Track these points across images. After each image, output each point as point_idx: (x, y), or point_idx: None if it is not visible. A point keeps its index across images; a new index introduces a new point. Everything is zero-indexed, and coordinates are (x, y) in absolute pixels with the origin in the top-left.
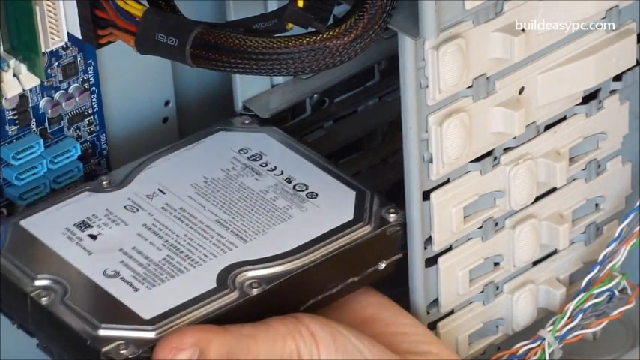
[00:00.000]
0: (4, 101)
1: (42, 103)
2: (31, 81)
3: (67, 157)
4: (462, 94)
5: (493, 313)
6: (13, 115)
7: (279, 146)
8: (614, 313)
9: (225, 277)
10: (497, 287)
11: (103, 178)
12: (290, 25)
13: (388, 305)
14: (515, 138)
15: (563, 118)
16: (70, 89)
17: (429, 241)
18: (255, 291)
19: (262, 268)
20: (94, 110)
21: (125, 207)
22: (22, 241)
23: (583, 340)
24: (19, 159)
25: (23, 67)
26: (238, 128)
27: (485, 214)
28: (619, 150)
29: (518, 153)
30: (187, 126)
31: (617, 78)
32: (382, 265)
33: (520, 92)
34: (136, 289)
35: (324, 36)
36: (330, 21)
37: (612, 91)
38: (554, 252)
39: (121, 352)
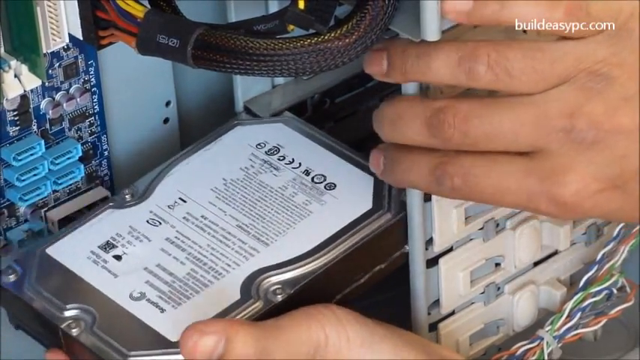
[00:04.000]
0: (5, 102)
1: (43, 104)
2: (32, 82)
3: (68, 158)
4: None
5: (494, 314)
6: (14, 116)
7: (296, 135)
8: (613, 311)
9: (249, 287)
10: (499, 288)
11: (125, 191)
12: (291, 26)
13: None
14: None
15: None
16: (71, 90)
17: (430, 242)
18: (279, 297)
19: (285, 272)
20: (95, 111)
21: (147, 221)
22: (50, 271)
23: (583, 340)
24: (20, 160)
25: (24, 68)
26: (254, 120)
27: (486, 215)
28: None
29: None
30: (188, 127)
31: None
32: (408, 248)
33: None
34: (163, 310)
35: (326, 37)
36: (332, 22)
37: None
38: (555, 253)
39: None
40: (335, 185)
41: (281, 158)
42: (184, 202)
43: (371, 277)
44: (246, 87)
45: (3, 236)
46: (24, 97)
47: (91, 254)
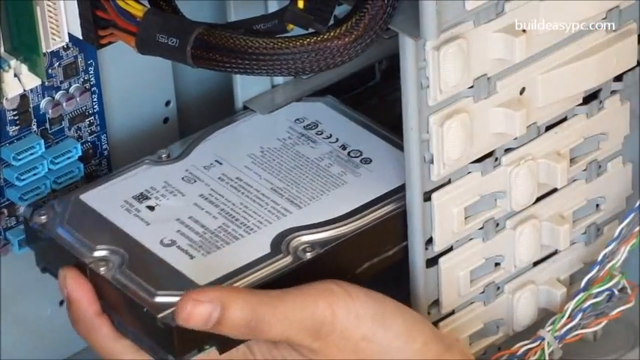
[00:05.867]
0: (4, 102)
1: (43, 104)
2: (31, 81)
3: (68, 158)
4: (462, 95)
5: (494, 314)
6: (14, 115)
7: (335, 114)
8: (614, 312)
9: (280, 243)
10: (498, 288)
11: (162, 151)
12: (290, 26)
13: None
14: (516, 138)
15: (564, 119)
16: (71, 89)
17: (429, 241)
18: (308, 255)
19: (316, 232)
20: (95, 110)
21: (183, 178)
22: (82, 214)
23: (584, 340)
24: (20, 159)
25: (24, 68)
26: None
27: (486, 214)
28: (620, 150)
29: (519, 154)
30: (188, 126)
31: (618, 78)
32: None
33: (521, 93)
34: (192, 257)
35: (325, 36)
36: (331, 21)
37: (613, 92)
38: (555, 252)
39: None
40: (371, 160)
41: (319, 133)
42: (220, 164)
43: (399, 250)
44: (246, 87)
45: (3, 236)
46: (24, 97)
47: (125, 203)
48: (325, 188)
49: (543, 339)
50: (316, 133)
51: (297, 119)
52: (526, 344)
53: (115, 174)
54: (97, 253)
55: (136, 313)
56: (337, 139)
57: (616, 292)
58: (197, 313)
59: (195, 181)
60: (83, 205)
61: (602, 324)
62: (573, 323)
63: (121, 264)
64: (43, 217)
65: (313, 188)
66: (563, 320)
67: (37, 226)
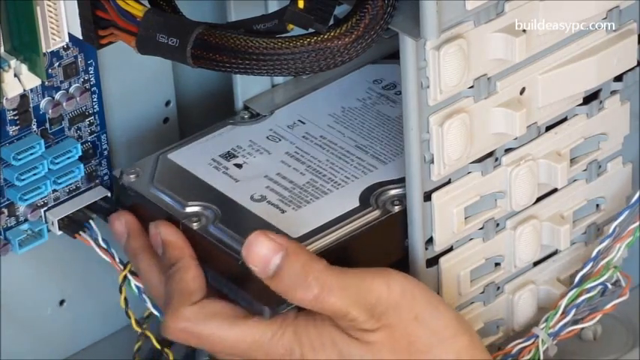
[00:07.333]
0: (4, 101)
1: (43, 104)
2: (31, 81)
3: (68, 158)
4: (463, 95)
5: (494, 314)
6: (14, 115)
7: None
8: (608, 306)
9: (368, 197)
10: (498, 288)
11: (244, 112)
12: (290, 26)
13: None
14: (516, 139)
15: (564, 119)
16: (71, 89)
17: (430, 241)
18: (397, 208)
19: (403, 187)
20: (95, 110)
21: (267, 137)
22: (171, 172)
23: (584, 340)
24: (20, 159)
25: (24, 68)
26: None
27: (486, 214)
28: (620, 151)
29: (519, 154)
30: (188, 126)
31: (618, 78)
32: None
33: (521, 93)
34: (283, 211)
35: (325, 36)
36: (331, 21)
37: (613, 92)
38: (555, 252)
39: None
40: None
41: (397, 93)
42: (303, 123)
43: None
44: (246, 86)
45: (3, 236)
46: (24, 97)
47: (212, 161)
48: None
49: (537, 337)
50: (395, 94)
51: (375, 80)
52: (520, 343)
53: (198, 135)
54: (189, 209)
55: (230, 266)
56: None
57: (610, 286)
58: (257, 250)
59: (280, 140)
60: (172, 163)
61: (597, 319)
62: (567, 319)
63: (214, 219)
64: (132, 176)
65: (396, 145)
66: (557, 317)
67: (127, 184)
